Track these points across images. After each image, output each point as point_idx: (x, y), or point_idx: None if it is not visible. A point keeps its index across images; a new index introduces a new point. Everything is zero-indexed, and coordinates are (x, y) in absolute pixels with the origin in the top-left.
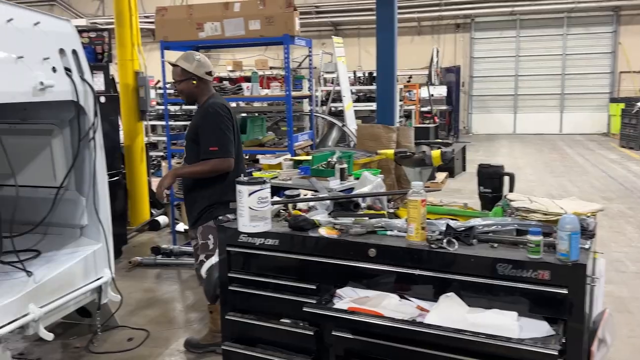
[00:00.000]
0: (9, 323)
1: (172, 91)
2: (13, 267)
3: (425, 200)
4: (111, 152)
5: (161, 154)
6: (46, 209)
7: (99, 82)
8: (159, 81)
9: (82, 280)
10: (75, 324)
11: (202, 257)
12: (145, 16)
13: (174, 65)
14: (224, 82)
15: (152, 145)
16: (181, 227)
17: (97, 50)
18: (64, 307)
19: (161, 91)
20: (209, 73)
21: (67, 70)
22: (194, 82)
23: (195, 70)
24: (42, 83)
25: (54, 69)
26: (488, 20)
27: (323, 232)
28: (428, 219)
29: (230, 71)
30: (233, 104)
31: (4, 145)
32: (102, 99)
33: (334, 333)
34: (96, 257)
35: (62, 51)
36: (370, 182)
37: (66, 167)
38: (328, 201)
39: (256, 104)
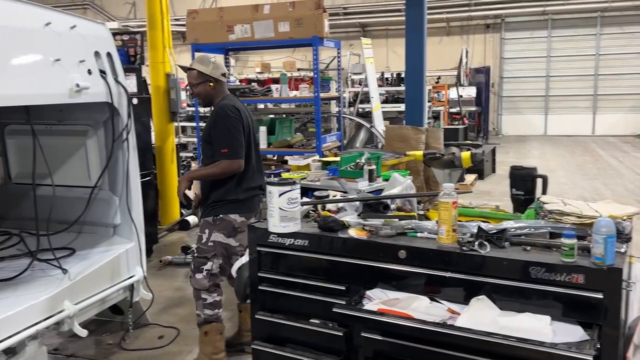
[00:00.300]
0: (45, 319)
1: None
2: (49, 264)
3: (456, 202)
4: (143, 153)
5: (190, 154)
6: (81, 208)
7: (131, 84)
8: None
9: (115, 278)
10: (108, 321)
11: (193, 246)
12: (175, 19)
13: (189, 69)
14: (253, 83)
15: (182, 146)
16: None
17: (130, 53)
18: (98, 304)
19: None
20: (224, 75)
21: (102, 72)
22: (211, 84)
23: (212, 72)
24: (78, 85)
25: (89, 71)
26: (519, 20)
27: (352, 233)
28: (459, 221)
29: (259, 73)
30: (261, 106)
31: (41, 146)
32: (135, 101)
33: (363, 334)
34: (128, 256)
35: (97, 54)
36: (400, 184)
37: (100, 167)
38: (357, 202)
39: (284, 106)
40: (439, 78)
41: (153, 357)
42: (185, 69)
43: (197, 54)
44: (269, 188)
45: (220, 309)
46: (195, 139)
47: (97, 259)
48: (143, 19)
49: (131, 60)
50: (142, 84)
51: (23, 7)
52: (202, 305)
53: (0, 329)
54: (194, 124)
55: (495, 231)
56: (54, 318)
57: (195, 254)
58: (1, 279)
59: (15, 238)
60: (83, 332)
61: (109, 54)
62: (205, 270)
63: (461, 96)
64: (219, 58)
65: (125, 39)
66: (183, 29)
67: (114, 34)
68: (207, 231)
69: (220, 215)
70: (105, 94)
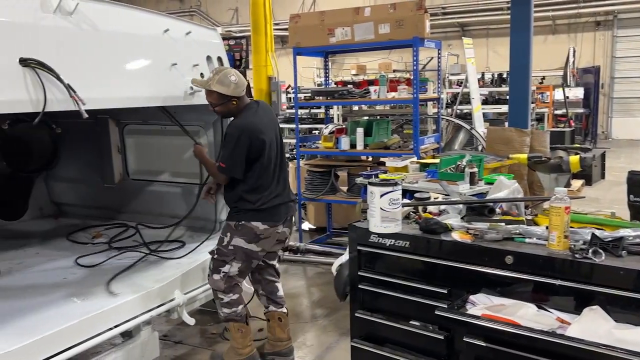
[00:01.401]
0: (158, 306)
1: (302, 95)
2: (159, 257)
3: (569, 208)
4: None
5: (287, 155)
6: (190, 204)
7: None
8: (289, 86)
9: None
10: (212, 311)
11: (214, 247)
12: (275, 23)
13: (209, 90)
14: (349, 85)
15: None
16: (307, 225)
17: (236, 57)
18: (204, 295)
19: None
20: (248, 86)
21: None
22: (234, 102)
23: (234, 92)
24: (191, 88)
25: (202, 75)
26: (633, 16)
27: (456, 236)
28: (571, 227)
29: (354, 75)
30: (355, 107)
31: (155, 145)
32: None
33: (465, 339)
34: None
35: (209, 58)
36: (507, 187)
37: None
38: (460, 205)
39: (378, 107)
40: (543, 78)
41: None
42: (206, 90)
43: (216, 69)
44: (370, 188)
45: (240, 306)
46: (292, 140)
47: (205, 252)
48: (245, 24)
49: (237, 64)
50: (246, 87)
51: (146, 16)
52: (219, 304)
53: (119, 313)
54: (291, 126)
55: (611, 239)
56: (166, 306)
57: (215, 255)
58: (119, 268)
59: (132, 230)
60: (191, 321)
61: (219, 59)
62: (223, 272)
63: (567, 97)
64: (317, 61)
65: (232, 43)
66: (282, 33)
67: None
68: (228, 234)
69: (243, 222)
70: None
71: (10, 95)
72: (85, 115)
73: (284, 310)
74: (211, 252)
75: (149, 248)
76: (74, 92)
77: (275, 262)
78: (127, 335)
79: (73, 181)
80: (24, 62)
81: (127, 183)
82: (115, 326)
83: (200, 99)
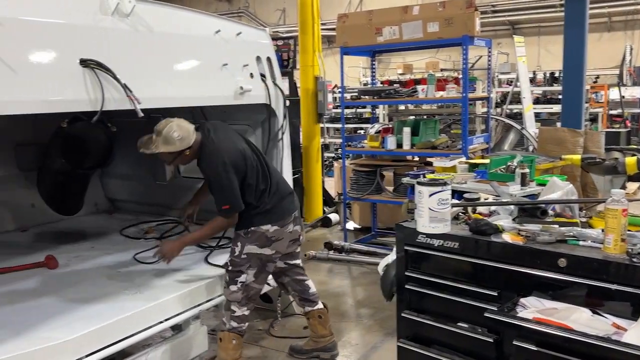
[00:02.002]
0: (206, 301)
1: (348, 95)
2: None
3: (626, 210)
4: (292, 152)
5: (332, 155)
6: None
7: (284, 87)
8: (335, 85)
9: None
10: (258, 308)
11: (227, 259)
12: (322, 23)
13: (158, 154)
14: (395, 85)
15: (324, 147)
16: (351, 225)
17: (283, 57)
18: None
19: (336, 95)
20: (194, 130)
21: (262, 76)
22: (187, 152)
23: (182, 146)
24: (241, 88)
25: (251, 75)
26: None
27: (507, 237)
28: (628, 230)
29: (400, 74)
30: (401, 107)
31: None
32: (287, 103)
33: (515, 343)
34: None
35: (258, 58)
36: (560, 189)
37: None
38: (511, 206)
39: (425, 107)
40: (597, 77)
41: None
42: (152, 154)
43: (157, 129)
44: (418, 188)
45: (247, 323)
46: (338, 140)
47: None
48: (292, 24)
49: (284, 64)
50: (293, 86)
51: (198, 17)
52: (229, 316)
53: (170, 307)
54: (336, 125)
55: None
56: (214, 301)
57: (230, 267)
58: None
59: (182, 226)
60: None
61: (268, 59)
62: (240, 282)
63: (623, 97)
64: (363, 61)
65: (280, 44)
66: (328, 33)
67: None
68: (239, 244)
69: (252, 228)
70: (265, 96)
71: (72, 94)
72: (141, 114)
73: (321, 306)
74: (224, 265)
75: (199, 244)
76: (130, 91)
77: (298, 261)
78: (177, 328)
79: (126, 178)
80: (83, 62)
81: (178, 181)
82: (166, 319)
83: (250, 98)
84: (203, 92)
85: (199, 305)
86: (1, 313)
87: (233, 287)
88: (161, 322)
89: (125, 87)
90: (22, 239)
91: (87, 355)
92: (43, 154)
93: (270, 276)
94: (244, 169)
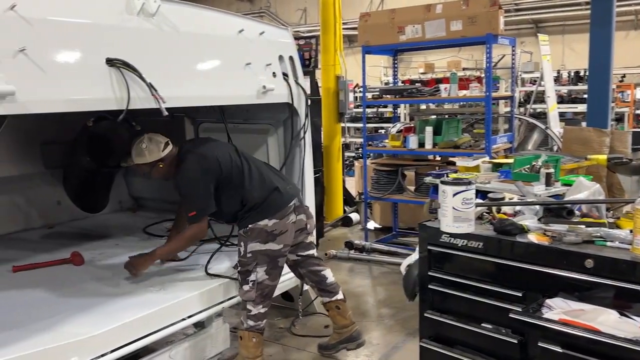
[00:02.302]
0: (228, 299)
1: (369, 94)
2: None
3: None
4: (314, 151)
5: (353, 154)
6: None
7: (306, 86)
8: (357, 85)
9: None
10: (280, 306)
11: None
12: (343, 23)
13: (136, 166)
14: (417, 84)
15: (345, 146)
16: (372, 224)
17: (305, 57)
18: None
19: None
20: (166, 144)
21: (285, 75)
22: (161, 165)
23: (153, 157)
24: (264, 87)
25: (274, 74)
26: None
27: (532, 238)
28: None
29: (422, 73)
30: (423, 106)
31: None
32: (308, 102)
33: (540, 344)
34: None
35: (281, 57)
36: (587, 189)
37: (279, 163)
38: (537, 206)
39: (447, 106)
40: (623, 76)
41: None
42: (130, 167)
43: (132, 143)
44: (442, 187)
45: (264, 320)
46: (357, 139)
47: None
48: (313, 24)
49: (306, 64)
50: (314, 86)
51: (222, 17)
52: (246, 315)
53: (193, 304)
54: (356, 125)
55: None
56: (236, 299)
57: (239, 268)
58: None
59: None
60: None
61: (291, 58)
62: (251, 281)
63: None
64: (384, 60)
65: (301, 43)
66: (349, 32)
67: None
68: (242, 244)
69: (250, 226)
70: (287, 95)
71: (98, 93)
72: (166, 113)
73: (340, 296)
74: (235, 267)
75: (220, 241)
76: (155, 90)
77: (311, 252)
78: (200, 325)
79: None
80: (110, 62)
81: None
82: (189, 316)
83: (273, 97)
84: (226, 91)
85: (221, 302)
86: (27, 308)
87: (246, 287)
88: (184, 319)
89: (150, 86)
90: (48, 235)
91: (112, 351)
92: (69, 152)
93: (292, 274)
94: (218, 173)
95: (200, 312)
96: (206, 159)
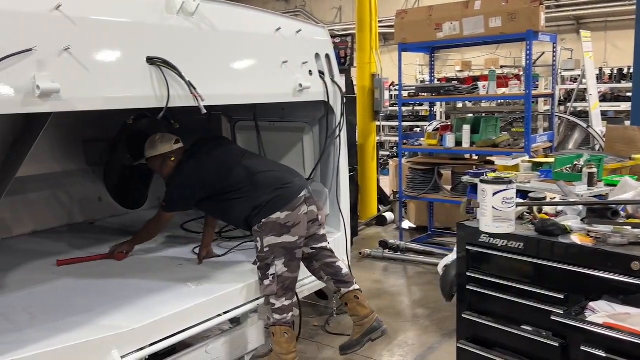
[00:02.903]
0: (264, 295)
1: (405, 92)
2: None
3: None
4: (349, 150)
5: (387, 153)
6: None
7: (342, 85)
8: (392, 83)
9: None
10: (314, 304)
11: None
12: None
13: (149, 160)
14: (453, 82)
15: (379, 145)
16: (407, 224)
17: (341, 55)
18: (308, 287)
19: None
20: (177, 140)
21: (321, 73)
22: (172, 158)
23: (164, 149)
24: (300, 85)
25: (310, 72)
26: None
27: (575, 239)
28: None
29: (458, 71)
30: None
31: (263, 141)
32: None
33: (583, 348)
34: (336, 245)
35: (317, 55)
36: (633, 189)
37: (314, 161)
38: (580, 207)
39: (484, 104)
40: None
41: None
42: (143, 164)
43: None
44: (482, 186)
45: (290, 312)
46: (392, 138)
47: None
48: (348, 22)
49: (342, 62)
50: (350, 84)
51: (259, 15)
52: (270, 309)
53: (229, 300)
54: (391, 123)
55: None
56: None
57: (258, 263)
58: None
59: None
60: (294, 312)
61: (327, 56)
62: (271, 275)
63: None
64: (420, 58)
65: (337, 41)
66: (384, 30)
67: None
68: (258, 239)
69: (262, 221)
70: (323, 93)
71: (139, 91)
72: (204, 111)
73: (356, 286)
74: (254, 263)
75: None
76: (194, 89)
77: (324, 244)
78: (235, 322)
79: None
80: (150, 60)
81: None
82: (225, 312)
83: (309, 95)
84: (263, 89)
85: (257, 299)
86: (70, 301)
87: (266, 282)
88: (220, 314)
89: (189, 84)
90: (89, 230)
91: (150, 345)
92: (110, 149)
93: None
94: (211, 183)
95: (236, 308)
96: (202, 170)
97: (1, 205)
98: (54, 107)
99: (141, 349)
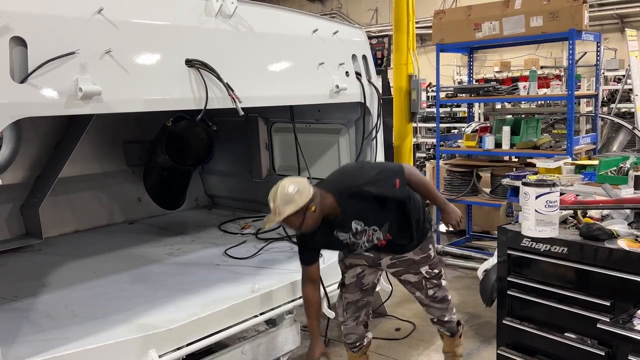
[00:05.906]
0: (299, 297)
1: (443, 94)
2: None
3: None
4: (385, 152)
5: (424, 155)
6: None
7: (378, 86)
8: (429, 84)
9: None
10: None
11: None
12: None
13: (284, 221)
14: (492, 82)
15: (416, 147)
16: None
17: (377, 56)
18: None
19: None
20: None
21: (357, 74)
22: (313, 208)
23: (303, 200)
24: (337, 86)
25: (347, 73)
26: None
27: (623, 244)
28: None
29: (497, 72)
30: (498, 106)
31: (299, 142)
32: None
33: (630, 358)
34: None
35: (354, 57)
36: None
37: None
38: (627, 211)
39: (523, 105)
40: None
41: (390, 347)
42: (280, 225)
43: (270, 199)
44: (524, 189)
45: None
46: (428, 140)
47: None
48: (384, 23)
49: (378, 63)
50: (386, 85)
51: (297, 17)
52: (449, 308)
53: (265, 301)
54: (429, 125)
55: None
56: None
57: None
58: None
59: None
60: (330, 314)
61: (364, 57)
62: (444, 279)
63: None
64: (457, 59)
65: (374, 42)
66: (421, 31)
67: None
68: (430, 246)
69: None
70: (359, 95)
71: (178, 93)
72: (242, 113)
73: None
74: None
75: (292, 240)
76: (232, 90)
77: None
78: (271, 323)
79: (225, 175)
80: (189, 62)
81: (273, 178)
82: (261, 313)
83: (345, 97)
84: (300, 91)
85: (292, 300)
86: (109, 301)
87: (444, 282)
88: (256, 315)
89: (227, 86)
90: (130, 230)
91: (187, 345)
92: (149, 151)
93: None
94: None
95: (272, 309)
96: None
97: (45, 204)
98: (95, 109)
99: (178, 348)
